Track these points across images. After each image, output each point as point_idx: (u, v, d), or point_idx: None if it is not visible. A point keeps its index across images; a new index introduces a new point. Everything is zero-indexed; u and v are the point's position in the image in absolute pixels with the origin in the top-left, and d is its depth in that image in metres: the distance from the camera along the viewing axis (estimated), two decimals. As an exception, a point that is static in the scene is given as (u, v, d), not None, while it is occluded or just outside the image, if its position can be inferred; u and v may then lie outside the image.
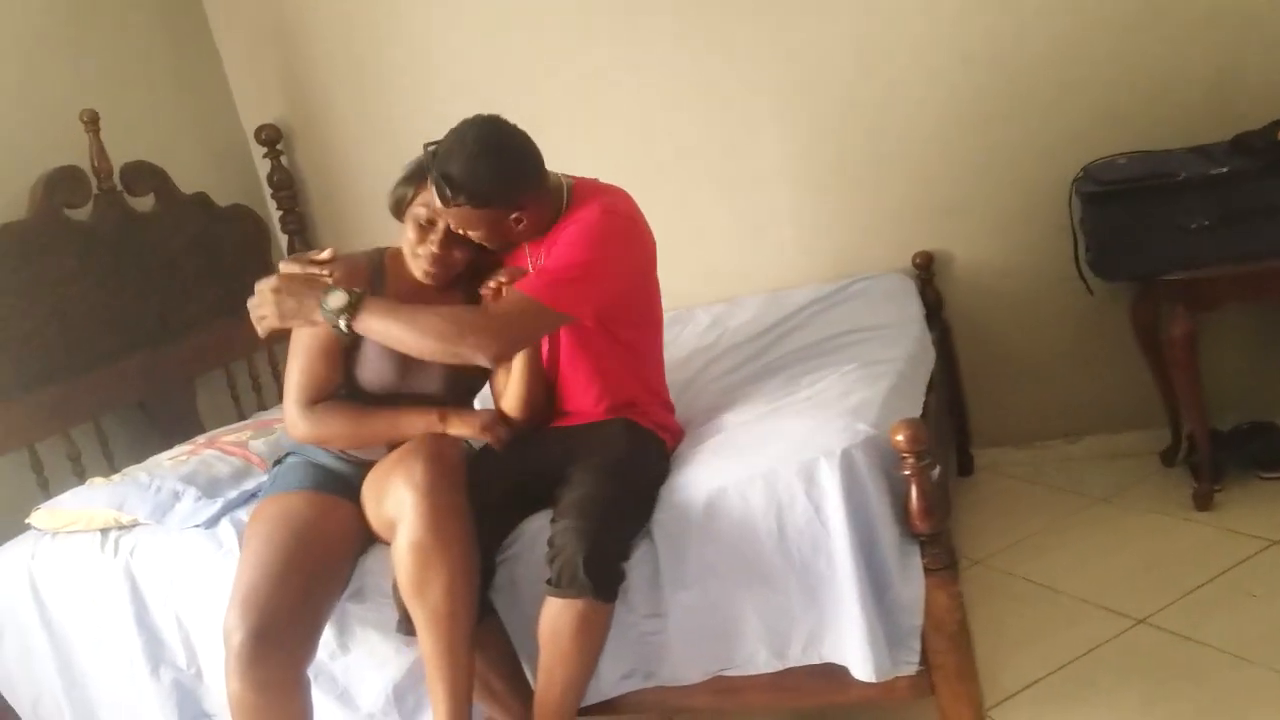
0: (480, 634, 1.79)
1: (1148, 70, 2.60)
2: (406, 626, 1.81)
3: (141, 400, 2.78)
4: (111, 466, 2.63)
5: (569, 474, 1.81)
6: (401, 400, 1.94)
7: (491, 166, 1.76)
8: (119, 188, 2.83)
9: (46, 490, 2.51)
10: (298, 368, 1.92)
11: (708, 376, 2.33)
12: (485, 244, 1.87)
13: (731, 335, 2.56)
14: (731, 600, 1.75)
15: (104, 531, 2.21)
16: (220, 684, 2.09)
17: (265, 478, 2.25)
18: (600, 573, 1.68)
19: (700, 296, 2.98)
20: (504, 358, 1.80)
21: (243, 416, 3.02)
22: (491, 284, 1.87)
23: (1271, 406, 2.67)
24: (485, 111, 1.86)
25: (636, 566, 1.78)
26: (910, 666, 1.69)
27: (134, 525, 2.20)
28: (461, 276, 1.96)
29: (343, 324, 1.77)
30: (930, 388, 2.21)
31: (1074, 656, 2.07)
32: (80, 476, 2.56)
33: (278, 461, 2.09)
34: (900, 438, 1.62)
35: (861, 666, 1.66)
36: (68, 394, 2.57)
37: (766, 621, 1.75)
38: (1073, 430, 2.90)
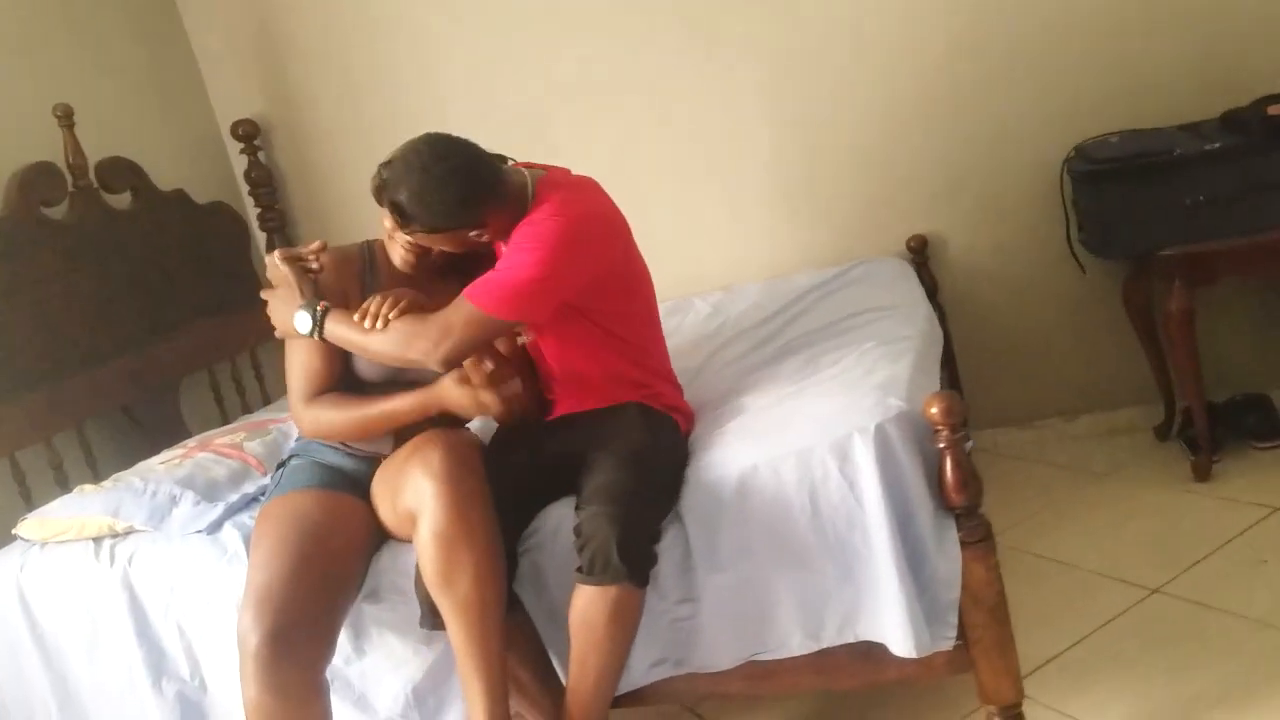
0: (506, 627, 1.75)
1: (1134, 51, 2.63)
2: (432, 621, 1.76)
3: (125, 404, 2.69)
4: (95, 474, 2.54)
5: (589, 460, 1.77)
6: (399, 389, 1.89)
7: (440, 194, 1.73)
8: (95, 185, 2.73)
9: (29, 501, 2.41)
10: (296, 364, 1.90)
11: (719, 362, 2.30)
12: (446, 250, 1.85)
13: (736, 322, 2.53)
14: (765, 581, 1.72)
15: (97, 540, 2.12)
16: (226, 695, 2.04)
17: (265, 480, 2.20)
18: (634, 557, 1.64)
19: (695, 285, 2.96)
20: (450, 364, 1.78)
21: (227, 420, 2.94)
22: None
23: (1263, 379, 2.71)
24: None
25: (666, 551, 1.74)
26: (948, 642, 1.67)
27: (129, 533, 2.11)
28: (452, 262, 1.92)
29: (317, 336, 1.83)
30: (941, 366, 2.21)
31: (1095, 628, 2.08)
32: (64, 486, 2.47)
33: (283, 463, 2.02)
34: (935, 410, 1.61)
35: (901, 643, 1.64)
36: (50, 399, 2.48)
37: (800, 602, 1.72)
38: (1069, 409, 2.92)
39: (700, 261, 3.03)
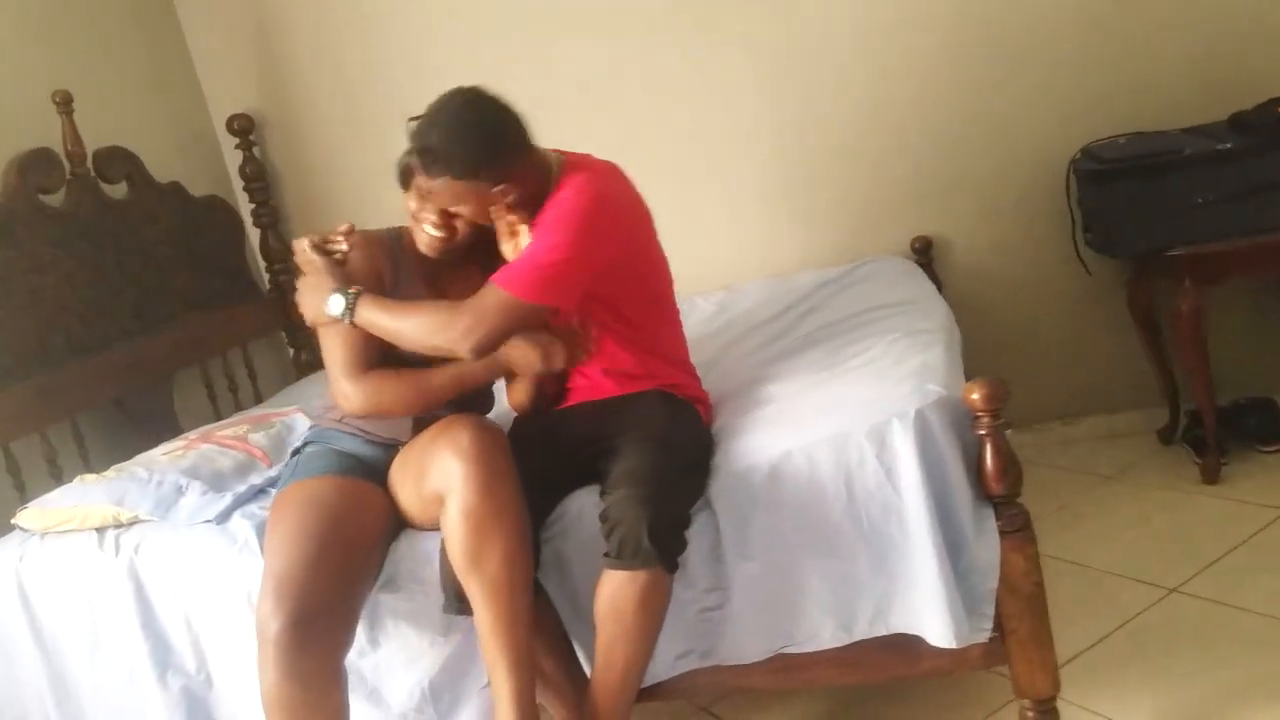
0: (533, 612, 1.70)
1: (1140, 53, 2.67)
2: (457, 606, 1.71)
3: (120, 397, 2.62)
4: (88, 468, 2.46)
5: (614, 446, 1.74)
6: (434, 364, 1.85)
7: (471, 136, 1.71)
8: (92, 173, 2.67)
9: (23, 493, 2.34)
10: (340, 342, 1.83)
11: (733, 355, 2.27)
12: (471, 217, 1.80)
13: (744, 319, 2.51)
14: (796, 571, 1.69)
15: (100, 530, 2.05)
16: (232, 690, 1.98)
17: (271, 472, 2.15)
18: (664, 541, 1.61)
19: (695, 285, 2.92)
20: (483, 351, 1.75)
21: (220, 416, 2.87)
22: None
23: (1266, 382, 2.73)
24: None
25: (695, 539, 1.70)
26: (984, 633, 1.64)
27: (134, 522, 2.05)
28: (476, 249, 1.89)
29: (349, 321, 1.80)
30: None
31: (1115, 626, 2.07)
32: (57, 479, 2.39)
33: (297, 451, 1.97)
34: (976, 396, 1.59)
35: (941, 633, 1.61)
36: (45, 389, 2.41)
37: (832, 591, 1.69)
38: (1071, 412, 2.93)
39: (700, 261, 2.99)
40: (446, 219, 1.81)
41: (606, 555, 1.64)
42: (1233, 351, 2.71)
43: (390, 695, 1.88)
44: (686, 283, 2.89)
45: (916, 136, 2.83)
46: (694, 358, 2.19)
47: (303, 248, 1.88)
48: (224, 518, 2.00)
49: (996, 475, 1.62)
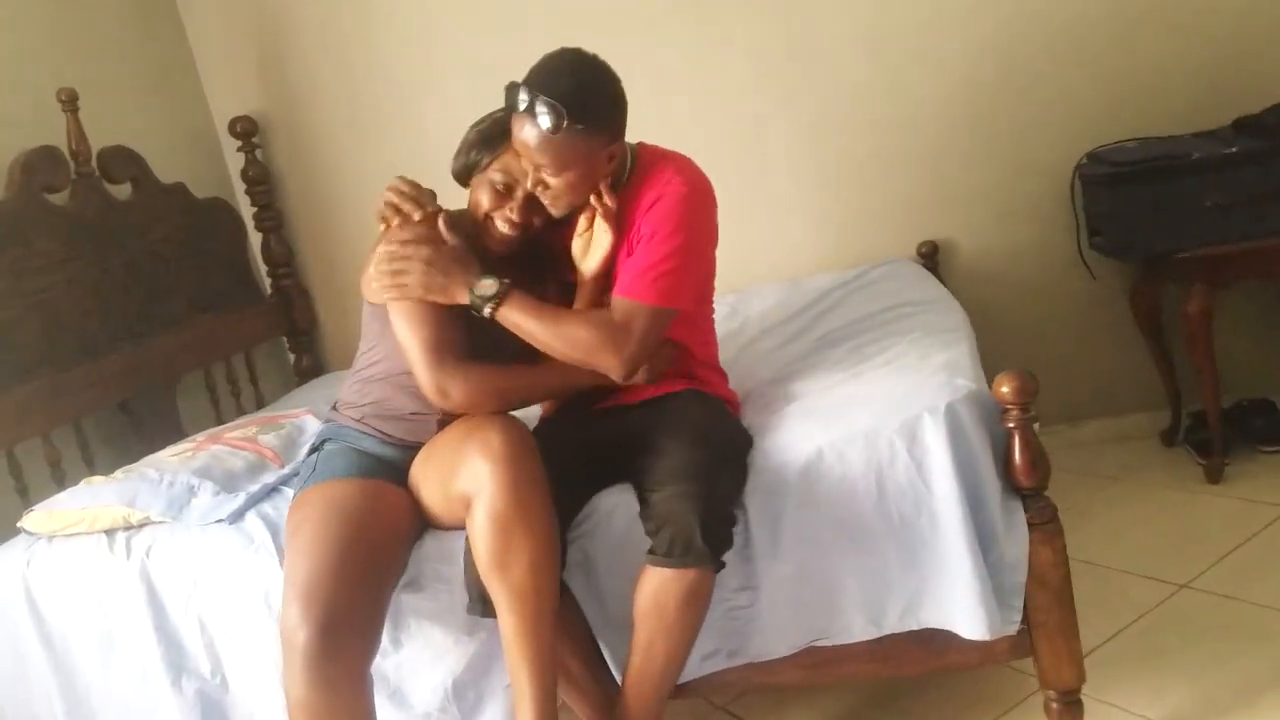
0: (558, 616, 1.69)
1: (1146, 59, 2.69)
2: (481, 608, 1.69)
3: (124, 400, 2.58)
4: (92, 471, 2.43)
5: (652, 443, 1.72)
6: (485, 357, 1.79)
7: (601, 86, 1.69)
8: (97, 173, 2.64)
9: (26, 497, 2.29)
10: (429, 333, 1.73)
11: (752, 354, 2.27)
12: (572, 192, 1.73)
13: (759, 320, 2.51)
14: (827, 568, 1.69)
15: (110, 532, 2.02)
16: (248, 693, 1.96)
17: (283, 472, 2.12)
18: (716, 539, 1.59)
19: (705, 287, 2.94)
20: (632, 372, 1.73)
21: (222, 421, 2.84)
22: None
23: (1267, 383, 2.76)
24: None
25: (726, 538, 1.70)
26: (1014, 626, 1.65)
27: (145, 524, 2.01)
28: (532, 256, 1.85)
29: (487, 311, 1.72)
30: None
31: (1129, 622, 2.09)
32: (60, 484, 2.35)
33: (315, 449, 1.94)
34: (1006, 389, 1.61)
35: (973, 626, 1.62)
36: (48, 390, 2.36)
37: (863, 587, 1.69)
38: (1075, 414, 2.95)
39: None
40: (526, 215, 1.76)
41: (652, 553, 1.61)
42: (1235, 353, 2.74)
43: (414, 695, 1.86)
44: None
45: (924, 141, 2.85)
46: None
47: (400, 191, 1.79)
48: (237, 517, 1.98)
49: (1026, 468, 1.63)
